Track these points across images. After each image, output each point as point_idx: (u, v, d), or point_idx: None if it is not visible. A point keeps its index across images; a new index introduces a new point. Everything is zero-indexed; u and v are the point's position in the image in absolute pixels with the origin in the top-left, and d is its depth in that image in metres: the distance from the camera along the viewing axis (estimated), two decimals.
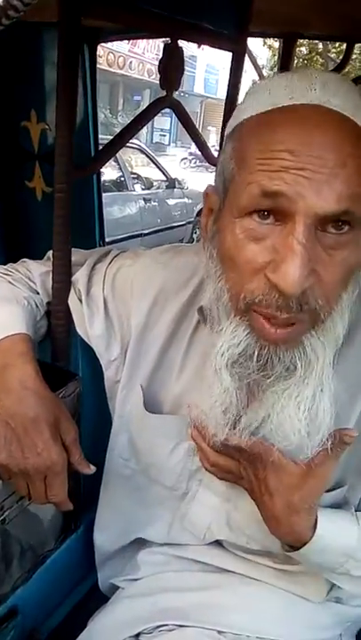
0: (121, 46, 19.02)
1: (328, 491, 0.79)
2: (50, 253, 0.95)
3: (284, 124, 0.59)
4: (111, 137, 1.05)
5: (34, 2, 0.39)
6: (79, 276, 0.94)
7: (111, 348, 0.92)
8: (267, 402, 0.69)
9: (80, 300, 0.93)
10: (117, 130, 1.15)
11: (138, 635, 0.88)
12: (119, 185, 5.63)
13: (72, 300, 0.94)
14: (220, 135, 1.30)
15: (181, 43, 1.04)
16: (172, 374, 0.87)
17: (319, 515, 0.74)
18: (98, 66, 1.72)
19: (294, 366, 0.65)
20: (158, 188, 6.25)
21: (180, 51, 1.01)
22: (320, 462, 0.69)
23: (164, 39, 1.06)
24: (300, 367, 0.65)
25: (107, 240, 2.00)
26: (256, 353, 0.64)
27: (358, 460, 0.80)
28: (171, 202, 6.37)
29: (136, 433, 0.91)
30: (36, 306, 0.94)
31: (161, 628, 0.87)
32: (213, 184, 0.71)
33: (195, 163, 18.48)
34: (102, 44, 1.67)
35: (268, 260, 0.60)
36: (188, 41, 1.08)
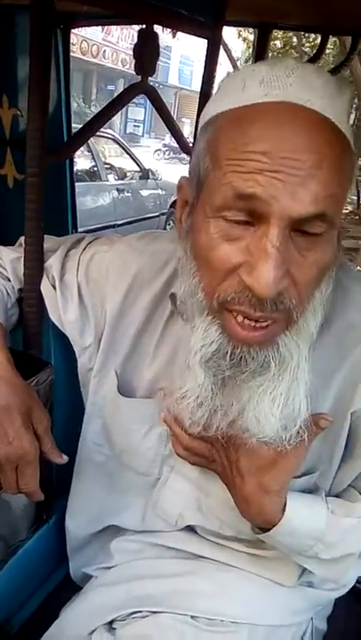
0: (95, 34, 18.79)
1: (299, 477, 0.80)
2: (22, 239, 0.94)
3: (257, 123, 0.58)
4: None
5: None
6: (52, 262, 0.93)
7: (85, 335, 0.91)
8: (242, 396, 0.69)
9: (53, 287, 0.92)
10: None
11: (111, 622, 0.88)
12: (92, 175, 5.57)
13: (45, 287, 0.93)
14: (194, 127, 1.30)
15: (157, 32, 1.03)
16: (145, 360, 0.87)
17: (289, 498, 0.76)
18: (72, 54, 1.70)
19: (268, 364, 0.65)
20: (132, 178, 6.21)
21: (156, 36, 1.00)
22: (292, 445, 0.70)
23: (139, 26, 1.05)
24: (274, 365, 0.65)
25: (80, 230, 1.98)
26: (229, 352, 0.65)
27: (330, 447, 0.80)
28: (144, 193, 6.33)
29: (110, 418, 0.91)
30: (7, 293, 0.92)
31: (134, 615, 0.87)
32: (188, 175, 0.70)
33: (168, 154, 18.44)
34: (75, 32, 1.65)
35: (242, 260, 0.60)
36: (163, 26, 1.07)
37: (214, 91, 0.85)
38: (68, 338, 0.93)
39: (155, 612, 0.86)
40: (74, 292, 0.90)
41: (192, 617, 0.85)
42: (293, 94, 0.58)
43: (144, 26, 1.02)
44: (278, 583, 0.87)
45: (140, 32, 1.00)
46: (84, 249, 0.93)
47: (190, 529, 0.92)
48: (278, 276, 0.57)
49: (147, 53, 1.00)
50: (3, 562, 0.98)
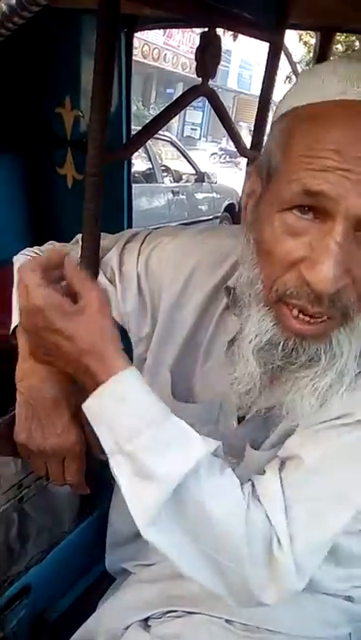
0: (156, 38, 18.99)
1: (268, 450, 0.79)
2: (78, 237, 0.96)
3: (332, 120, 0.58)
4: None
5: None
6: (111, 256, 0.94)
7: (142, 325, 0.91)
8: (286, 384, 0.69)
9: (110, 281, 0.93)
10: None
11: (146, 619, 0.88)
12: (148, 176, 5.63)
13: (101, 281, 0.94)
14: (252, 131, 1.29)
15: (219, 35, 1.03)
16: (198, 360, 0.87)
17: (132, 367, 0.68)
18: (133, 57, 1.72)
19: (318, 358, 0.65)
20: (187, 181, 6.23)
21: (218, 39, 1.01)
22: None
23: (200, 29, 1.05)
24: (324, 360, 0.65)
25: None
26: (282, 342, 0.65)
27: None
28: (199, 196, 6.35)
29: None
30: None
31: (169, 614, 0.87)
32: (257, 165, 0.70)
33: (224, 158, 18.40)
34: (137, 35, 1.67)
35: (304, 255, 0.60)
36: (226, 29, 1.07)
37: (275, 95, 0.84)
38: (123, 332, 0.93)
39: (190, 613, 0.86)
40: (133, 283, 0.91)
41: (227, 621, 0.84)
42: None
43: (206, 29, 1.03)
44: (316, 592, 0.85)
45: (202, 35, 1.01)
46: (144, 240, 0.94)
47: None
48: (338, 273, 0.57)
49: (208, 56, 1.00)
50: (46, 551, 1.00)
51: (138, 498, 0.65)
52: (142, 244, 0.93)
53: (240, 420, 0.83)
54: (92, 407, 0.67)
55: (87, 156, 0.88)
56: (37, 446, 0.77)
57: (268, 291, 0.64)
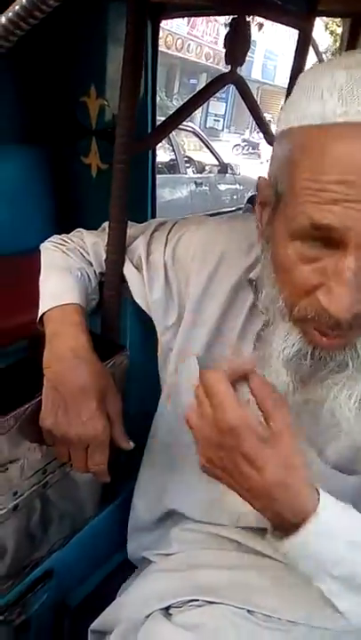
0: (180, 28, 18.86)
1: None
2: (105, 224, 0.96)
3: (333, 149, 0.55)
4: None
5: None
6: (138, 244, 0.94)
7: (168, 314, 0.91)
8: (320, 392, 0.69)
9: (137, 268, 0.93)
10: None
11: (167, 608, 0.88)
12: (171, 167, 5.61)
13: (128, 270, 0.94)
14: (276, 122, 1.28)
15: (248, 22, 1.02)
16: (227, 349, 0.86)
17: (322, 493, 0.65)
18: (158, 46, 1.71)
19: (346, 364, 0.65)
20: (210, 172, 6.20)
21: (248, 25, 1.00)
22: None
23: (224, 19, 1.04)
24: (352, 366, 0.65)
25: None
26: (310, 352, 0.65)
27: None
28: (222, 187, 6.31)
29: (187, 403, 0.91)
30: (89, 278, 0.95)
31: (191, 603, 0.87)
32: (266, 176, 0.68)
33: (247, 149, 18.25)
34: (161, 25, 1.65)
35: (320, 281, 0.59)
36: (254, 15, 1.05)
37: None
38: (149, 322, 0.94)
39: (211, 603, 0.86)
40: (160, 272, 0.91)
41: (249, 611, 0.84)
42: None
43: (235, 16, 1.01)
44: None
45: (231, 22, 1.00)
46: (171, 229, 0.94)
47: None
48: (355, 299, 0.56)
49: (238, 43, 1.00)
50: (69, 537, 1.01)
51: (358, 607, 0.67)
52: (169, 232, 0.93)
53: None
54: (294, 546, 0.64)
55: (115, 144, 0.88)
56: (62, 433, 0.78)
57: (290, 310, 0.65)
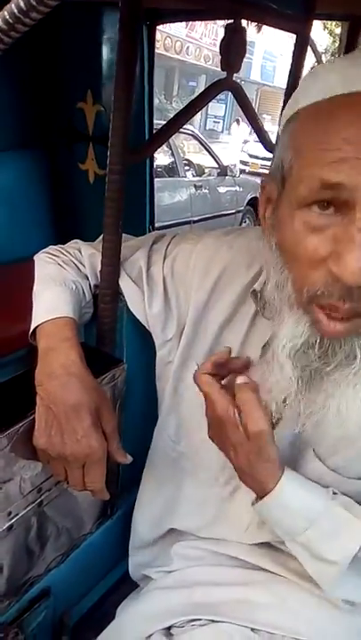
0: (179, 31, 18.87)
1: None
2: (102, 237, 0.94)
3: (341, 112, 0.57)
4: (165, 122, 1.02)
5: None
6: (139, 256, 0.93)
7: (167, 329, 0.91)
8: (326, 390, 0.68)
9: (136, 282, 0.92)
10: (171, 115, 1.12)
11: (169, 628, 0.87)
12: (170, 171, 5.59)
13: (125, 283, 0.93)
14: (277, 123, 1.26)
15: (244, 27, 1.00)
16: None
17: (287, 473, 0.75)
18: (155, 50, 1.70)
19: (354, 355, 0.64)
20: (210, 175, 6.18)
21: (243, 31, 0.98)
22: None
23: (223, 22, 1.03)
24: (360, 358, 0.64)
25: (156, 225, 1.99)
26: (318, 341, 0.64)
27: None
28: (221, 189, 6.29)
29: (188, 414, 0.90)
30: (83, 292, 0.93)
31: (193, 623, 0.85)
32: (269, 173, 0.69)
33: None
34: (160, 28, 1.65)
35: (330, 250, 0.58)
36: (250, 20, 1.04)
37: None
38: (145, 334, 0.93)
39: (214, 621, 0.84)
40: (159, 285, 0.90)
41: (252, 629, 0.82)
42: None
43: (231, 21, 1.00)
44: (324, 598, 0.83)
45: (227, 27, 0.98)
46: (170, 242, 0.93)
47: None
48: None
49: (233, 49, 0.98)
50: (66, 554, 0.99)
51: (319, 573, 0.77)
52: (168, 246, 0.92)
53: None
54: (262, 511, 0.77)
55: (109, 155, 0.86)
56: (57, 451, 0.76)
57: (299, 293, 0.63)
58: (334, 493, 0.78)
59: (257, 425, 0.71)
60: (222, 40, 0.98)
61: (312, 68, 0.68)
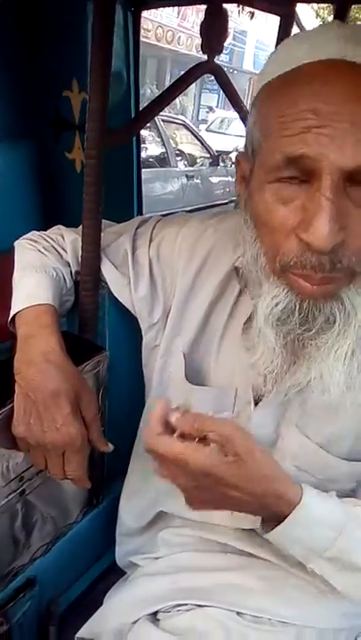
0: (170, 20, 18.72)
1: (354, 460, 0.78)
2: None
3: (301, 82, 0.58)
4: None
5: None
6: (124, 240, 0.93)
7: (154, 312, 0.90)
8: (308, 356, 0.69)
9: (120, 267, 0.92)
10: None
11: (155, 613, 0.87)
12: (162, 161, 5.57)
13: (107, 269, 0.92)
14: None
15: (232, 15, 0.99)
16: (214, 343, 0.85)
17: (304, 487, 0.70)
18: (146, 40, 1.69)
19: (334, 317, 0.65)
20: (202, 165, 6.16)
21: (224, 13, 0.96)
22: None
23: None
24: (340, 319, 0.65)
25: (146, 216, 1.98)
26: (298, 306, 0.65)
27: None
28: (214, 179, 6.28)
29: (175, 401, 0.89)
30: (64, 279, 0.92)
31: (179, 607, 0.86)
32: (244, 148, 0.71)
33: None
34: (151, 18, 1.63)
35: (299, 220, 0.60)
36: (235, 3, 1.02)
37: None
38: (129, 321, 0.92)
39: (200, 606, 0.84)
40: (145, 268, 0.90)
41: (238, 613, 0.83)
42: (336, 50, 0.58)
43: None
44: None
45: (207, 10, 0.97)
46: (155, 226, 0.93)
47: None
48: (334, 228, 0.57)
49: (214, 32, 0.96)
50: (52, 543, 0.99)
51: (351, 585, 0.72)
52: (153, 229, 0.92)
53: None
54: (283, 534, 0.70)
55: (87, 138, 0.85)
56: (36, 440, 0.75)
57: (272, 262, 0.64)
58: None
59: (249, 445, 0.64)
60: (202, 23, 0.96)
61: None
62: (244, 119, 1.18)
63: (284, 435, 0.81)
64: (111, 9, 0.80)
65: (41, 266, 0.89)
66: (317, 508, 0.69)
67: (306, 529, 0.69)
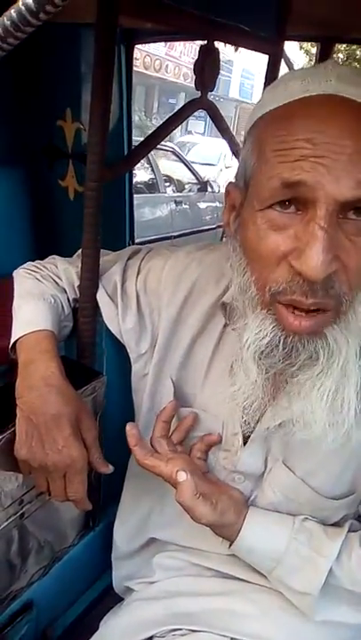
0: (158, 49, 19.08)
1: (340, 498, 0.80)
2: (80, 252, 0.96)
3: (300, 114, 0.59)
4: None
5: None
6: (115, 271, 0.94)
7: (141, 343, 0.92)
8: (290, 391, 0.70)
9: (111, 297, 0.93)
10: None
11: (151, 637, 0.87)
12: (151, 187, 5.63)
13: (101, 297, 0.94)
14: None
15: (218, 46, 1.04)
16: (201, 373, 0.86)
17: (250, 515, 0.82)
18: (135, 68, 1.73)
19: (317, 355, 0.65)
20: (190, 190, 6.23)
21: (216, 52, 1.01)
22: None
23: (201, 42, 1.06)
24: (323, 356, 0.65)
25: (137, 241, 2.01)
26: (282, 341, 0.65)
27: None
28: (202, 205, 6.34)
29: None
30: (62, 305, 0.94)
31: (174, 632, 0.86)
32: (234, 180, 0.72)
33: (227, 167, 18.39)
34: (139, 47, 1.68)
35: (291, 248, 0.60)
36: (224, 42, 1.07)
37: None
38: (123, 348, 0.94)
39: (195, 631, 0.85)
40: (132, 301, 0.91)
41: (232, 639, 0.83)
42: (333, 87, 0.60)
43: (205, 42, 1.03)
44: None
45: (201, 48, 1.01)
46: (143, 258, 0.95)
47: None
48: (327, 258, 0.57)
49: (207, 69, 1.01)
50: (48, 566, 0.99)
51: (297, 602, 0.82)
52: (142, 261, 0.94)
53: (245, 441, 0.83)
54: (235, 552, 0.84)
55: (86, 171, 0.88)
56: (38, 462, 0.76)
57: (262, 292, 0.65)
58: (305, 518, 0.82)
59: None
60: (196, 61, 1.01)
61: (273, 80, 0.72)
62: (234, 151, 1.23)
63: (270, 466, 0.83)
64: (112, 46, 0.83)
65: (39, 293, 0.91)
66: (254, 538, 0.81)
67: (250, 555, 0.83)
